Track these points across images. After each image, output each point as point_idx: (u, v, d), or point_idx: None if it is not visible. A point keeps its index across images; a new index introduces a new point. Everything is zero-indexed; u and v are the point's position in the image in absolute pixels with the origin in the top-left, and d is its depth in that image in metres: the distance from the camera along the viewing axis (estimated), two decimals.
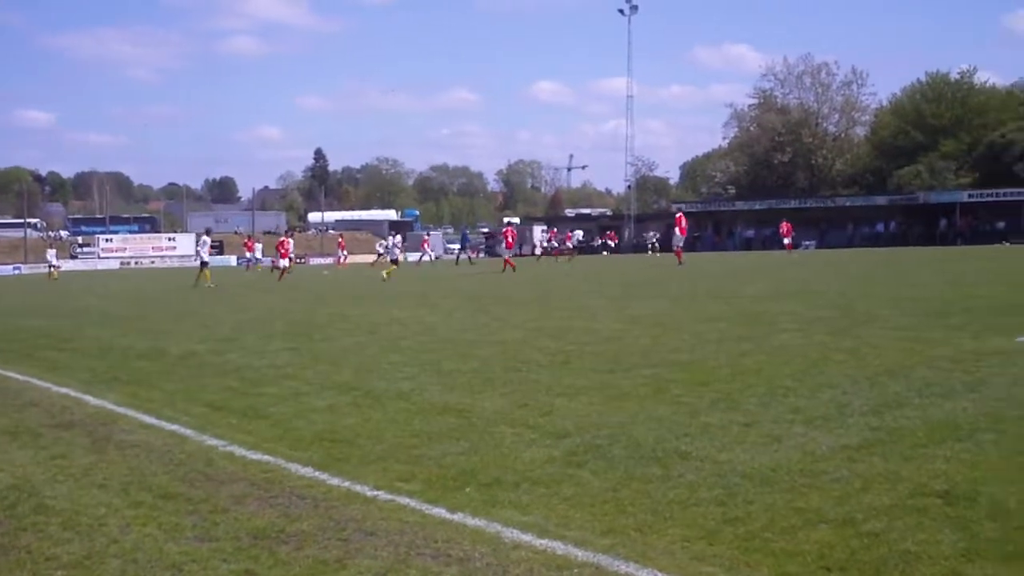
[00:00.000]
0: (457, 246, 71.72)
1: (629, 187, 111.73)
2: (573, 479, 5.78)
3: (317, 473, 6.16)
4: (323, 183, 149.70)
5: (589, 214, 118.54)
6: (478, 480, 5.82)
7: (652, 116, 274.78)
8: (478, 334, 14.41)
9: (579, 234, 66.70)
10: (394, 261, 40.58)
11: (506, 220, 72.10)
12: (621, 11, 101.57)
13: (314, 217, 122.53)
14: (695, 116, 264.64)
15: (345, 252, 67.47)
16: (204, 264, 38.15)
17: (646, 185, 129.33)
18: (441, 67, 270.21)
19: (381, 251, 62.96)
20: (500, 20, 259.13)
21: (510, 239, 45.31)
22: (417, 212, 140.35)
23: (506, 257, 43.52)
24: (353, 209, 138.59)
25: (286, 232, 48.21)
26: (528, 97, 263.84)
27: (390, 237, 44.46)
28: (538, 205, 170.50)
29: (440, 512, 5.21)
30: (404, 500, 5.46)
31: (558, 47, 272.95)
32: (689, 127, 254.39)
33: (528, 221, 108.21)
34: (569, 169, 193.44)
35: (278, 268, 42.95)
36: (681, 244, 45.39)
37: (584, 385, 9.19)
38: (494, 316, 17.83)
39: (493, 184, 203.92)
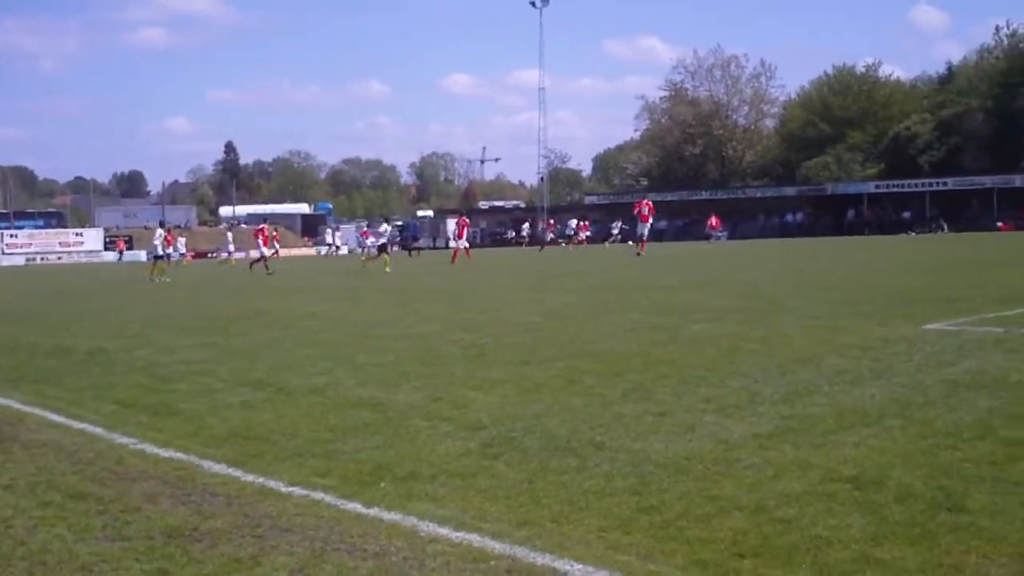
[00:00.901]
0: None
1: (542, 179, 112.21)
2: (488, 471, 5.78)
3: (231, 470, 6.08)
4: (234, 177, 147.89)
5: (502, 206, 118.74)
6: (393, 474, 5.79)
7: (564, 108, 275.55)
8: (394, 327, 14.36)
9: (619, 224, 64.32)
10: (381, 249, 40.07)
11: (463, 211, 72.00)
12: (533, 3, 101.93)
13: (225, 211, 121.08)
14: (607, 108, 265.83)
15: (277, 245, 67.19)
16: (159, 258, 37.37)
17: (559, 177, 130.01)
18: (353, 59, 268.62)
19: (331, 241, 61.94)
20: (412, 12, 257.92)
21: (463, 230, 45.91)
22: (330, 205, 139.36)
23: (463, 248, 44.29)
24: (265, 203, 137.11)
25: (264, 221, 46.15)
26: (440, 89, 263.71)
27: (385, 225, 42.15)
28: (451, 198, 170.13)
29: (355, 507, 5.18)
30: (319, 496, 5.42)
31: (470, 39, 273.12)
32: (601, 119, 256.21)
33: (441, 214, 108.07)
34: (482, 161, 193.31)
35: (257, 258, 40.93)
36: (646, 233, 44.54)
37: (499, 377, 9.20)
38: (411, 309, 17.80)
39: (406, 177, 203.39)
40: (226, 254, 39.12)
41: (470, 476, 5.69)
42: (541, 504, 5.08)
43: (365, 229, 41.18)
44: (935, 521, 4.54)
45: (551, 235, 72.20)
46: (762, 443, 6.14)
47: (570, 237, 64.79)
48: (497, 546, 4.48)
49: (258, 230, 42.84)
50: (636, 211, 44.40)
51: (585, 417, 7.18)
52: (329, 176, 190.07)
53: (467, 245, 44.59)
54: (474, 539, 4.58)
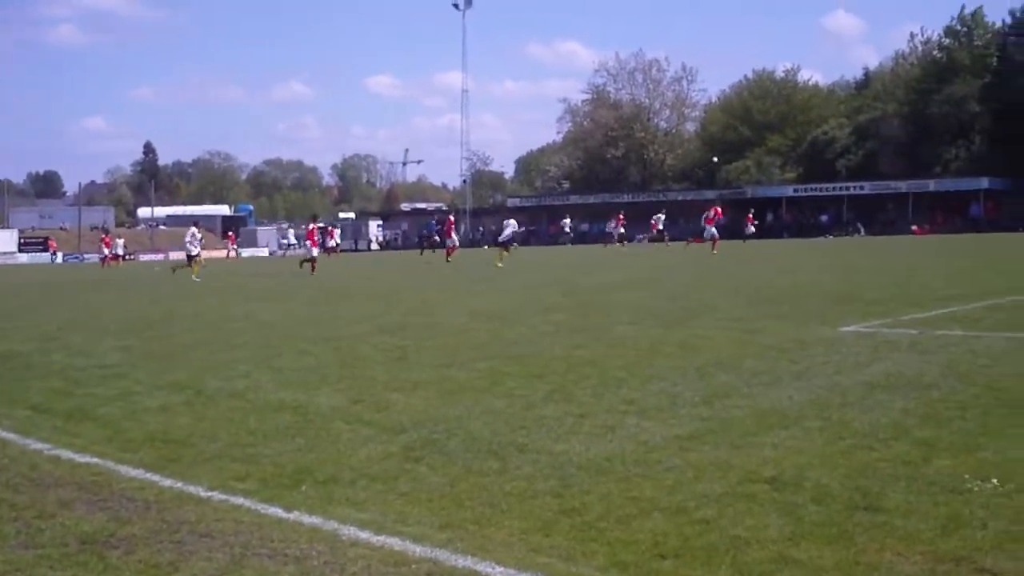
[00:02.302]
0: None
1: (465, 182, 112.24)
2: (410, 474, 5.76)
3: (149, 475, 5.99)
4: (153, 177, 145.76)
5: (425, 208, 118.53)
6: (314, 478, 5.75)
7: (487, 111, 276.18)
8: (316, 330, 14.27)
9: (661, 217, 62.12)
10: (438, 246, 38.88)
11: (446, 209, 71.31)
12: (456, 5, 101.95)
13: (143, 212, 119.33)
14: (529, 111, 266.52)
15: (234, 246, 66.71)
16: (191, 257, 36.34)
17: (482, 179, 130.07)
18: (275, 59, 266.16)
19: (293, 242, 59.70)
20: (335, 12, 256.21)
21: (450, 229, 45.91)
22: (251, 207, 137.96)
23: (452, 246, 44.21)
24: (184, 204, 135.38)
25: (312, 218, 43.96)
26: (363, 91, 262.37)
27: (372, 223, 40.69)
28: (373, 200, 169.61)
29: (276, 511, 5.13)
30: (239, 500, 5.37)
31: (393, 41, 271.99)
32: (524, 122, 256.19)
33: (363, 216, 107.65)
34: (404, 164, 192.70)
35: (309, 259, 37.42)
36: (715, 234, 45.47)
37: (421, 379, 9.19)
38: (334, 311, 17.70)
39: (328, 178, 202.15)
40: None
41: (391, 479, 5.66)
42: (463, 507, 5.07)
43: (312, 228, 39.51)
44: (851, 520, 4.61)
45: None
46: (682, 445, 6.19)
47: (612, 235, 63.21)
48: (418, 549, 4.46)
49: (311, 231, 40.53)
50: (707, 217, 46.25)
51: (507, 419, 7.20)
52: (250, 177, 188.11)
53: (455, 243, 44.70)
54: (395, 543, 4.56)
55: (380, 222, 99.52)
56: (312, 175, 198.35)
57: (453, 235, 45.34)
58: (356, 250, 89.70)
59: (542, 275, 29.05)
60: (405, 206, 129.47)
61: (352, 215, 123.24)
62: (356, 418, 7.48)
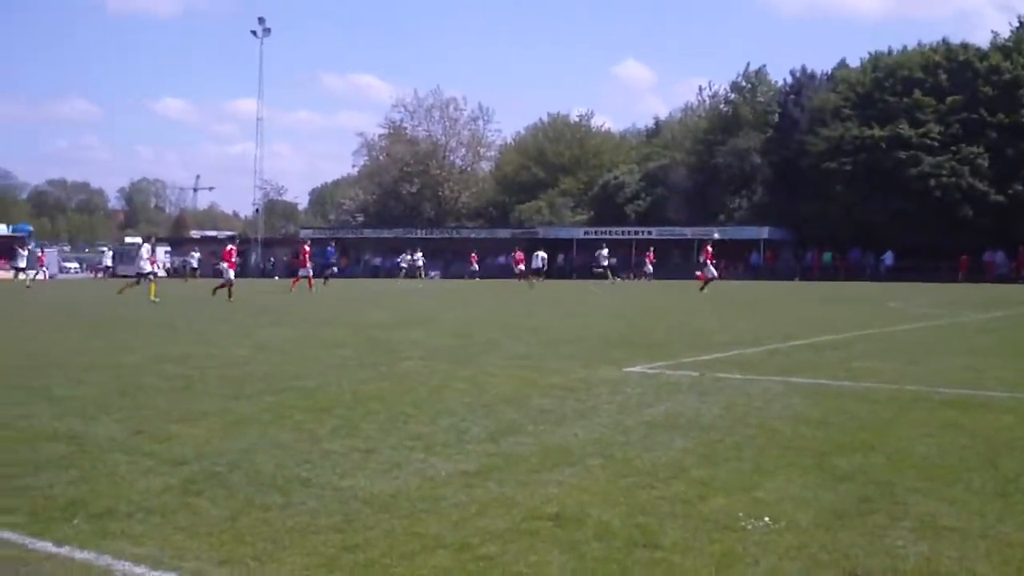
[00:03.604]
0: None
1: (257, 211, 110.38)
2: (191, 508, 5.61)
3: None
4: None
5: (215, 236, 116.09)
6: (88, 511, 5.53)
7: (281, 140, 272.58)
8: (93, 357, 13.78)
9: (604, 253, 60.13)
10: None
11: (304, 235, 68.59)
12: (254, 32, 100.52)
13: None
14: (324, 143, 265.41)
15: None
16: (145, 275, 34.38)
17: (275, 209, 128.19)
18: (56, 75, 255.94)
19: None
20: (122, 30, 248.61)
21: (304, 257, 44.63)
22: (31, 228, 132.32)
23: (304, 276, 43.37)
24: None
25: (231, 240, 40.10)
26: (153, 113, 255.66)
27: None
28: (161, 226, 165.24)
29: (46, 545, 4.91)
30: (6, 534, 5.11)
31: (185, 63, 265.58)
32: (318, 153, 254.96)
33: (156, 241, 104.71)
34: (195, 190, 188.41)
35: (225, 284, 34.57)
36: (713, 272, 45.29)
37: (205, 411, 8.97)
38: (113, 341, 17.13)
39: (114, 202, 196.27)
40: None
41: (170, 513, 5.50)
42: (244, 542, 4.96)
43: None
44: (631, 558, 4.70)
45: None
46: (468, 481, 6.21)
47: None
48: None
49: (227, 251, 37.55)
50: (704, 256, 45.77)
51: (292, 453, 7.08)
52: (32, 197, 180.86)
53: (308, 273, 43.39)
54: None
55: (168, 248, 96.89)
56: (98, 197, 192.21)
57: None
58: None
59: (331, 310, 28.79)
60: (195, 233, 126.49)
61: (139, 240, 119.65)
62: (135, 449, 7.24)
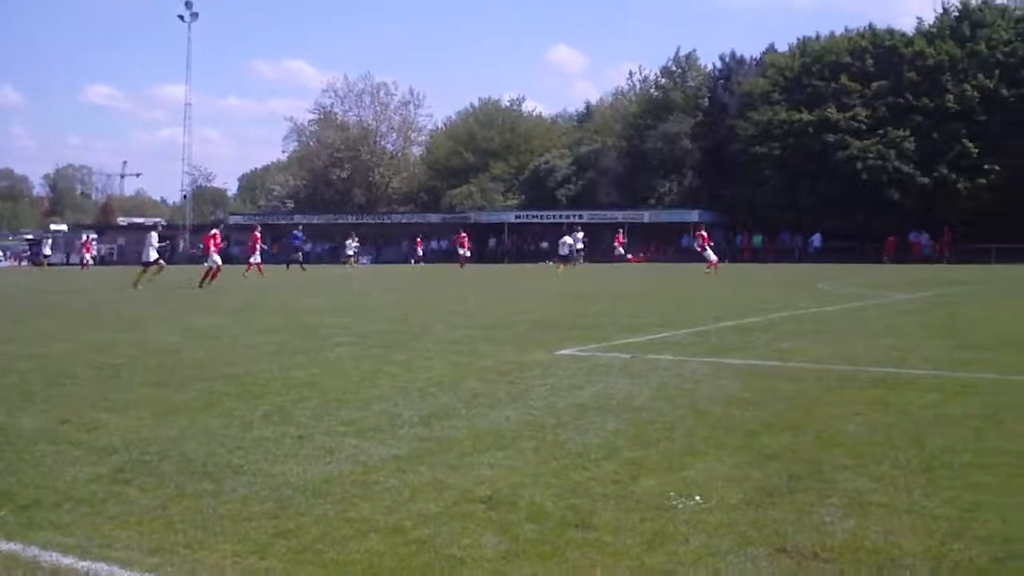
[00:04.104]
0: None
1: (185, 197, 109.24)
2: (120, 497, 5.55)
3: None
4: None
5: (143, 223, 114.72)
6: (15, 502, 5.45)
7: (210, 126, 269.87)
8: (18, 347, 13.55)
9: (580, 236, 58.79)
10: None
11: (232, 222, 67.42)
12: (181, 17, 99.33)
13: None
14: (254, 128, 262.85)
15: None
16: (152, 263, 33.36)
17: (203, 196, 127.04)
18: None
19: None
20: (49, 17, 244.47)
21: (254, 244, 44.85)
22: None
23: (255, 263, 43.47)
24: None
25: (214, 225, 37.68)
26: (79, 100, 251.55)
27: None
28: (88, 212, 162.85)
29: None
30: None
31: (112, 50, 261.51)
32: (248, 139, 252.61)
33: (77, 229, 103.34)
34: (122, 176, 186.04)
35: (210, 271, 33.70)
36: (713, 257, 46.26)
37: (134, 399, 8.87)
38: (40, 329, 16.86)
39: (39, 188, 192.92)
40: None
41: (99, 502, 5.44)
42: (175, 530, 4.92)
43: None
44: (564, 538, 4.73)
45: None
46: (401, 465, 6.21)
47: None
48: (125, 574, 4.30)
49: (210, 236, 36.22)
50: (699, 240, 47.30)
51: (223, 440, 7.03)
52: None
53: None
54: (101, 568, 4.37)
55: (95, 235, 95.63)
56: (22, 184, 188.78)
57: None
58: (68, 264, 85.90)
59: (263, 296, 28.58)
60: (122, 220, 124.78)
61: (64, 227, 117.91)
62: (63, 439, 7.14)
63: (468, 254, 61.05)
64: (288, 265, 51.28)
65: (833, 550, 4.56)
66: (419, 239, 71.73)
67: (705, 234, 47.71)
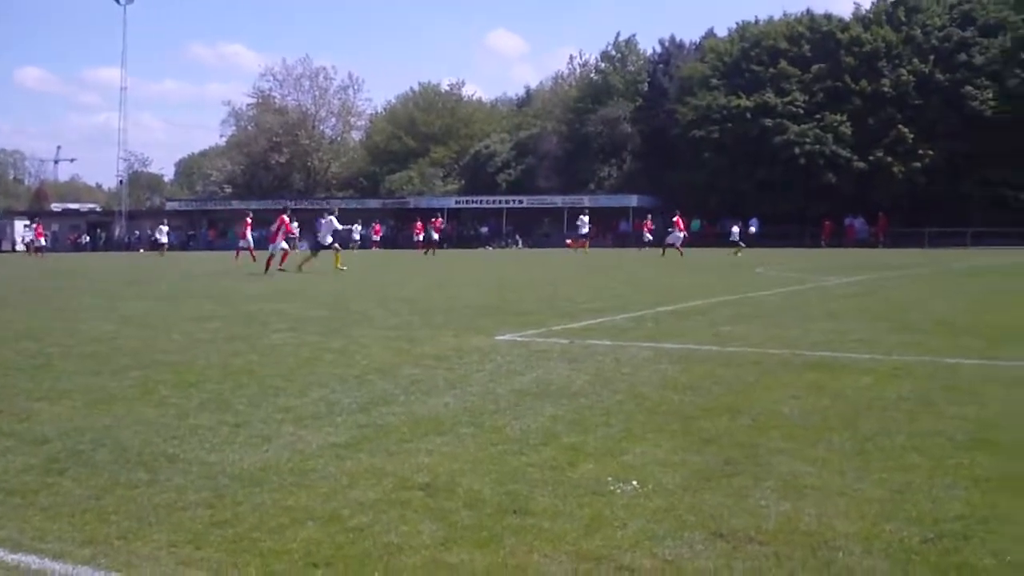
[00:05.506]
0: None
1: (121, 182, 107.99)
2: (52, 488, 5.47)
3: None
4: None
5: (77, 209, 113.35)
6: None
7: (146, 110, 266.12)
8: None
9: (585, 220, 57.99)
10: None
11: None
12: (117, 0, 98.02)
13: None
14: (192, 113, 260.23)
15: None
16: (328, 246, 33.01)
17: (139, 181, 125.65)
18: None
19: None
20: None
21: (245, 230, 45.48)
22: None
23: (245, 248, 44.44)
24: None
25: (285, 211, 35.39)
26: (11, 83, 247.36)
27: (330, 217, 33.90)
28: (20, 198, 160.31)
29: None
30: None
31: (44, 32, 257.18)
32: (186, 124, 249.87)
33: (8, 215, 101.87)
34: (56, 161, 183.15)
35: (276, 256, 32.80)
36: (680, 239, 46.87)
37: (67, 388, 8.75)
38: None
39: None
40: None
41: (31, 493, 5.36)
42: (108, 521, 4.86)
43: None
44: (502, 524, 4.73)
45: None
46: (338, 452, 6.18)
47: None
48: (58, 567, 4.24)
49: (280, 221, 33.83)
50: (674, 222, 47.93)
51: (159, 429, 6.96)
52: None
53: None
54: (32, 560, 4.31)
55: (28, 222, 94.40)
56: None
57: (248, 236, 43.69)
58: (0, 251, 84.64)
59: (198, 283, 28.34)
60: (56, 206, 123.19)
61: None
62: None
63: (421, 238, 60.46)
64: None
65: (768, 533, 4.60)
66: (376, 225, 71.12)
67: (676, 218, 48.16)
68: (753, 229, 67.22)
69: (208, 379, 9.20)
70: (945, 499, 5.09)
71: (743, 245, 48.44)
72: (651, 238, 51.52)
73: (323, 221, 34.26)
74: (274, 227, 33.95)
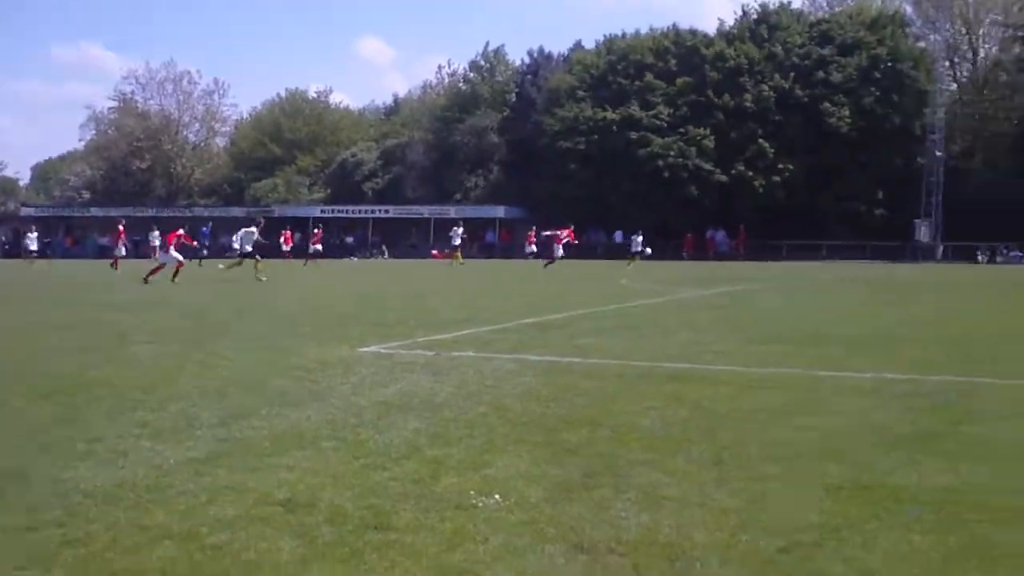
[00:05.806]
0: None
1: None
2: None
3: None
4: None
5: None
6: None
7: (1, 111, 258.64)
8: None
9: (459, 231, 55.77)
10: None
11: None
12: None
13: None
14: (49, 114, 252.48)
15: None
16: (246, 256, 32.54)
17: None
18: None
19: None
20: None
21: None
22: None
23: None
24: None
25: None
26: None
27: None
28: None
29: None
30: None
31: None
32: (43, 126, 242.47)
33: None
34: None
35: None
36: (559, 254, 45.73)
37: None
38: None
39: None
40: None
41: None
42: None
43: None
44: (363, 540, 4.70)
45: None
46: (197, 468, 6.07)
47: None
48: None
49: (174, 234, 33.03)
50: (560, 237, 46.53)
51: (7, 445, 6.77)
52: None
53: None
54: None
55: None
56: None
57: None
58: None
59: (54, 291, 27.62)
60: None
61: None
62: None
63: (320, 249, 59.34)
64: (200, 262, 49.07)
65: (628, 544, 4.66)
66: (286, 233, 69.22)
67: (571, 231, 48.26)
68: (618, 241, 68.05)
69: (62, 391, 8.94)
70: (799, 508, 5.22)
71: (638, 258, 48.52)
72: (535, 250, 51.45)
73: (242, 231, 34.57)
74: (170, 237, 33.23)
